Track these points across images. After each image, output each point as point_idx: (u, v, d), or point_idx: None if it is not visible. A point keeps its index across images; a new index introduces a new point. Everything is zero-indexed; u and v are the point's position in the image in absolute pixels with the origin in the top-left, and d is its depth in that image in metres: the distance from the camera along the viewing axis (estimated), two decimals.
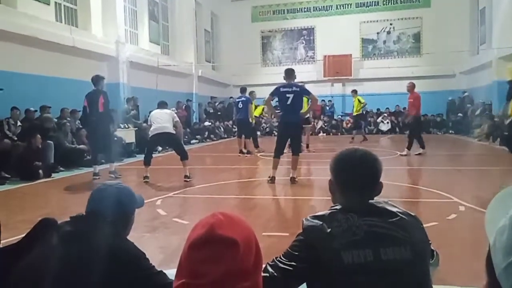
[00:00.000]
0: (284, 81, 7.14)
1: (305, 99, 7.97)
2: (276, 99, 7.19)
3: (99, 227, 1.50)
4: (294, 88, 6.95)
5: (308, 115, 10.24)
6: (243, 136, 11.73)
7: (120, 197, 1.67)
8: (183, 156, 7.38)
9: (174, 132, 7.44)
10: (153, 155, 8.01)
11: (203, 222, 1.05)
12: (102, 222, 1.53)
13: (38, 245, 1.44)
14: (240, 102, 11.64)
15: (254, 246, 1.08)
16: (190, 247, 1.02)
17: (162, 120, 7.34)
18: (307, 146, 11.76)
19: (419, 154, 10.43)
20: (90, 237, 1.45)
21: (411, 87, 10.94)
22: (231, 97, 21.70)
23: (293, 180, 6.85)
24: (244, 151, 11.47)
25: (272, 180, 6.91)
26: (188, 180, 7.18)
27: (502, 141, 12.08)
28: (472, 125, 15.75)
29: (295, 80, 7.27)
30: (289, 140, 7.29)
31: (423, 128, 10.97)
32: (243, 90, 11.97)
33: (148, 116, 8.01)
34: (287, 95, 6.87)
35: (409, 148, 10.54)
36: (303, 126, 12.00)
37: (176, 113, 8.34)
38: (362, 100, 14.87)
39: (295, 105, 6.93)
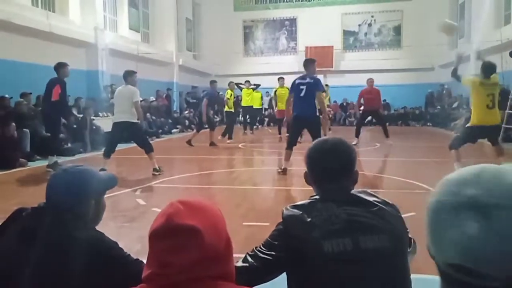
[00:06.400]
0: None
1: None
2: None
3: (60, 221, 1.36)
4: (307, 80, 6.65)
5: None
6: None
7: (81, 182, 1.46)
8: (147, 148, 6.79)
9: (134, 120, 6.64)
10: (133, 144, 7.79)
11: (162, 213, 1.04)
12: (63, 214, 1.38)
13: (9, 237, 1.38)
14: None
15: (222, 232, 1.06)
16: (151, 238, 1.03)
17: (121, 104, 6.62)
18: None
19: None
20: (52, 234, 1.33)
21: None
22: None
23: None
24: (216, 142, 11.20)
25: (284, 171, 6.69)
26: (157, 173, 6.71)
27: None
28: (449, 118, 16.04)
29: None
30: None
31: (361, 121, 11.15)
32: (211, 82, 11.82)
33: None
34: (301, 87, 6.62)
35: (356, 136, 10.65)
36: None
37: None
38: None
39: (308, 97, 6.59)
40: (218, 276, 1.02)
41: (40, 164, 8.08)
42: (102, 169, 6.15)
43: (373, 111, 10.78)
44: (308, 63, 6.95)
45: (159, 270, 1.00)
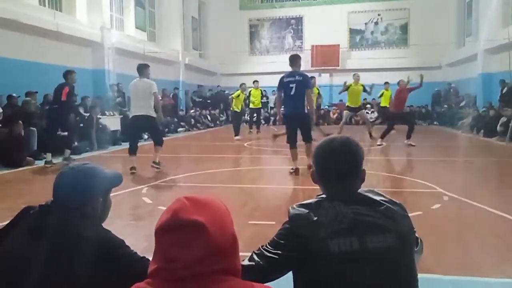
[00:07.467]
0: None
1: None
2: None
3: (67, 219, 1.37)
4: (297, 77, 6.58)
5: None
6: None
7: (88, 180, 1.45)
8: (158, 141, 6.93)
9: (152, 115, 6.78)
10: (140, 143, 7.81)
11: (168, 208, 1.05)
12: (70, 212, 1.39)
13: (17, 235, 1.38)
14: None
15: (228, 227, 1.07)
16: (157, 233, 1.04)
17: (138, 97, 6.70)
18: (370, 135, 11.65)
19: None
20: (59, 233, 1.33)
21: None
22: (218, 85, 21.57)
23: (310, 167, 6.70)
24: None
25: (296, 171, 6.60)
26: (155, 166, 6.80)
27: (486, 133, 12.32)
28: (456, 117, 15.94)
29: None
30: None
31: (390, 121, 11.14)
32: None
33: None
34: (290, 85, 6.55)
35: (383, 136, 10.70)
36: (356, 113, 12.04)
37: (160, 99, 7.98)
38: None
39: (298, 95, 6.53)
40: (223, 271, 1.02)
41: None
42: (132, 168, 6.60)
43: (403, 112, 10.76)
44: (295, 59, 6.82)
45: (165, 265, 1.01)
